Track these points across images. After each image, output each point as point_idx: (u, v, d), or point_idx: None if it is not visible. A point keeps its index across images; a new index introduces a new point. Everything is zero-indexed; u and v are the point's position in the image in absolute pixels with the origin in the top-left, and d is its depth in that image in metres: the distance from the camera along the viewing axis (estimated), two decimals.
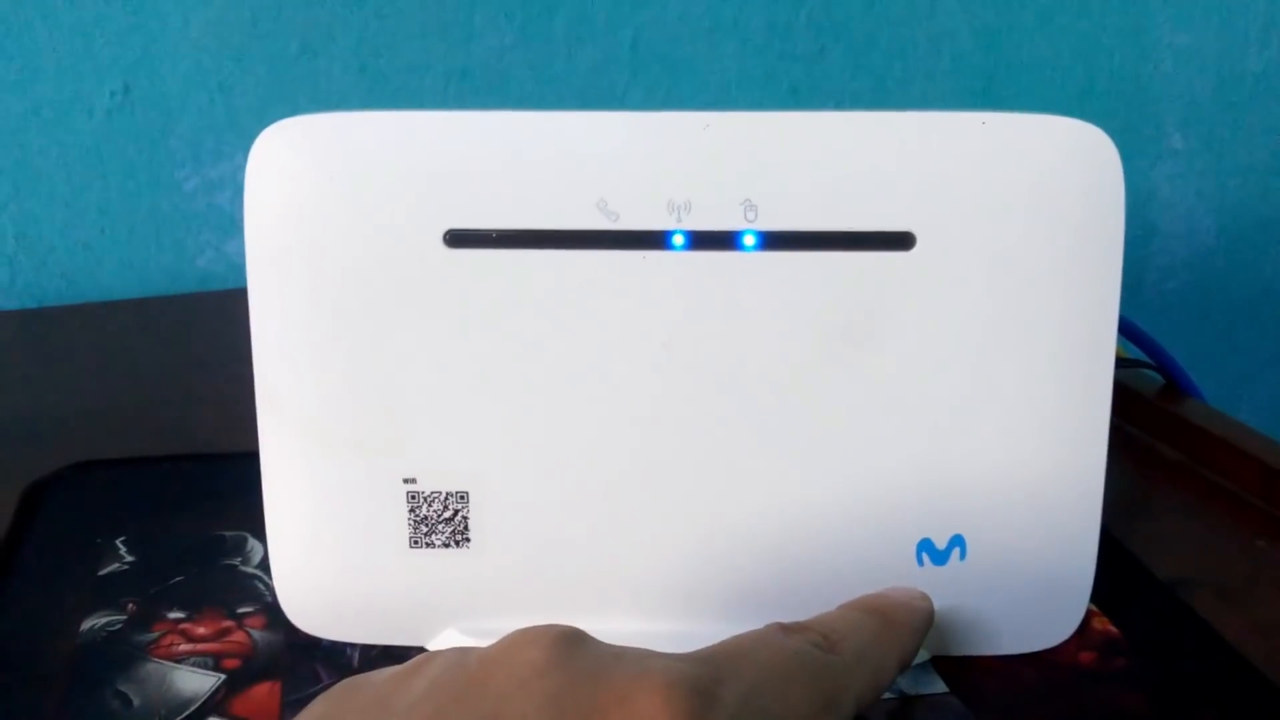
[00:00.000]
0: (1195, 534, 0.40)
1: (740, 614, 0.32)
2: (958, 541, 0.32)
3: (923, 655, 0.32)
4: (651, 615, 0.32)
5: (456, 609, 0.32)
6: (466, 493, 0.31)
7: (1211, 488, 0.43)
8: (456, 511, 0.31)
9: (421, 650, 0.32)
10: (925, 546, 0.32)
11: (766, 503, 0.31)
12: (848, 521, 0.31)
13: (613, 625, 0.32)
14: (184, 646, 0.32)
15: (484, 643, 0.32)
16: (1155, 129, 0.78)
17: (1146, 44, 0.75)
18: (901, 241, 0.30)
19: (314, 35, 0.64)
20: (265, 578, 0.36)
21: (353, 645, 0.33)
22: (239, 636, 0.33)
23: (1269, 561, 0.38)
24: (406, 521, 0.32)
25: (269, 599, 0.34)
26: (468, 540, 0.32)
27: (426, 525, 0.32)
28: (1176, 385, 0.48)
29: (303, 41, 0.64)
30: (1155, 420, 0.47)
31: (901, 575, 0.32)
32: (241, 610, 0.34)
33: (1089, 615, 0.35)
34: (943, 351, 0.31)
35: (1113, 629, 0.34)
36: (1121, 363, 0.47)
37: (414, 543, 0.32)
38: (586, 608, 0.32)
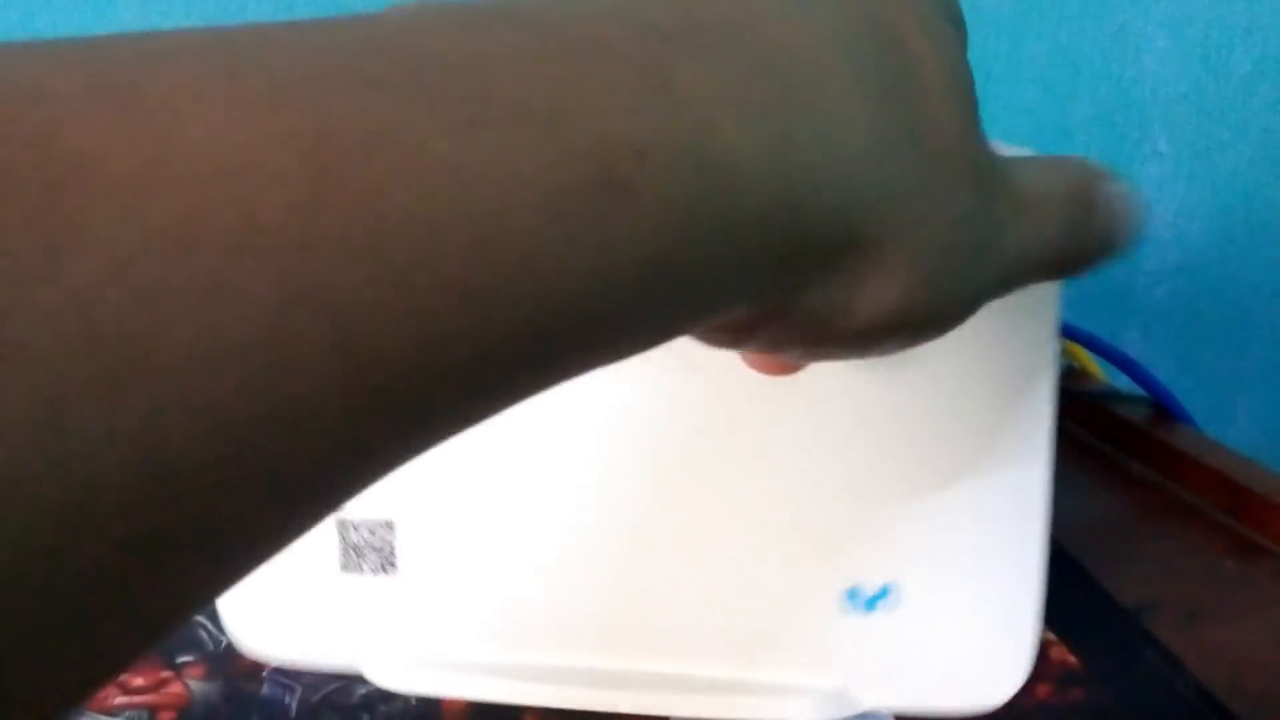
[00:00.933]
0: (1161, 554, 0.39)
1: (655, 652, 0.31)
2: (888, 590, 0.30)
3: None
4: (571, 649, 0.31)
5: (385, 634, 0.32)
6: (391, 522, 0.31)
7: (1178, 505, 0.42)
8: (385, 540, 0.31)
9: (359, 676, 0.32)
10: (852, 594, 0.30)
11: (685, 541, 0.31)
12: (770, 562, 0.30)
13: (533, 658, 0.31)
14: (120, 699, 0.32)
15: (415, 672, 0.32)
16: (1140, 132, 0.77)
17: (1129, 47, 0.75)
18: None
19: None
20: (209, 625, 0.35)
21: (291, 694, 0.32)
22: (176, 688, 0.32)
23: (1236, 582, 0.37)
24: (339, 547, 0.31)
25: (210, 648, 0.34)
26: (395, 567, 0.32)
27: (356, 551, 0.31)
28: (1164, 409, 0.46)
29: None
30: (1122, 436, 0.46)
31: (825, 623, 0.30)
32: (181, 660, 0.34)
33: (1047, 644, 0.34)
34: (870, 389, 0.30)
35: (1071, 659, 0.34)
36: (1114, 396, 0.46)
37: (345, 567, 0.32)
38: (514, 639, 0.31)
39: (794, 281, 0.17)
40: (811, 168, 0.16)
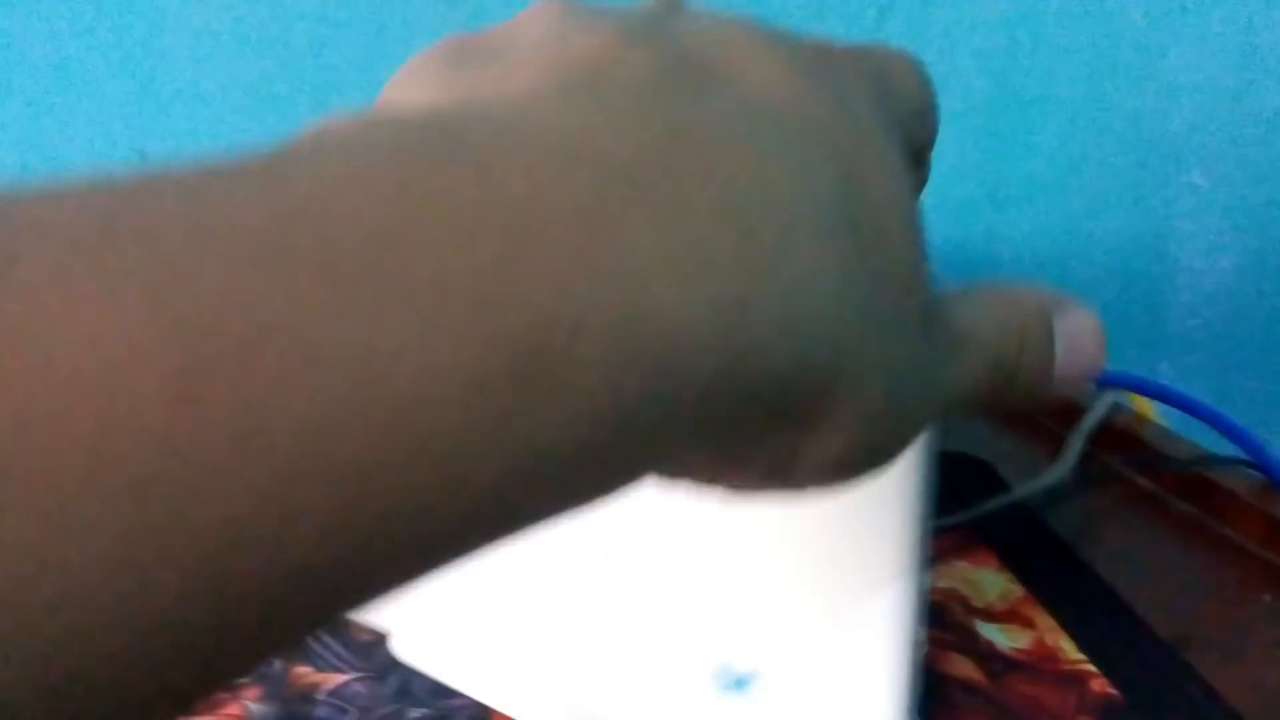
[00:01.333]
0: (1201, 587, 0.40)
1: (572, 682, 0.31)
2: (754, 675, 0.29)
3: None
4: (504, 674, 0.32)
5: (407, 607, 0.33)
6: None
7: (1217, 538, 0.42)
8: None
9: (411, 695, 0.34)
10: (719, 674, 0.29)
11: (582, 595, 0.31)
12: (649, 638, 0.30)
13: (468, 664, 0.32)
14: None
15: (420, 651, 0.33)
16: (1175, 166, 0.77)
17: (1161, 80, 0.75)
18: None
19: (325, 95, 0.65)
20: None
21: (346, 716, 0.33)
22: (233, 709, 0.33)
23: (1276, 616, 0.38)
24: None
25: (266, 669, 0.35)
26: None
27: None
28: (1266, 472, 0.44)
29: (313, 102, 0.65)
30: (1156, 470, 0.46)
31: (697, 703, 0.30)
32: (238, 680, 0.35)
33: (1088, 676, 0.34)
34: None
35: (1112, 690, 0.34)
36: (1210, 461, 0.45)
37: None
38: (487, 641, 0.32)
39: (738, 438, 0.16)
40: (767, 328, 0.15)
